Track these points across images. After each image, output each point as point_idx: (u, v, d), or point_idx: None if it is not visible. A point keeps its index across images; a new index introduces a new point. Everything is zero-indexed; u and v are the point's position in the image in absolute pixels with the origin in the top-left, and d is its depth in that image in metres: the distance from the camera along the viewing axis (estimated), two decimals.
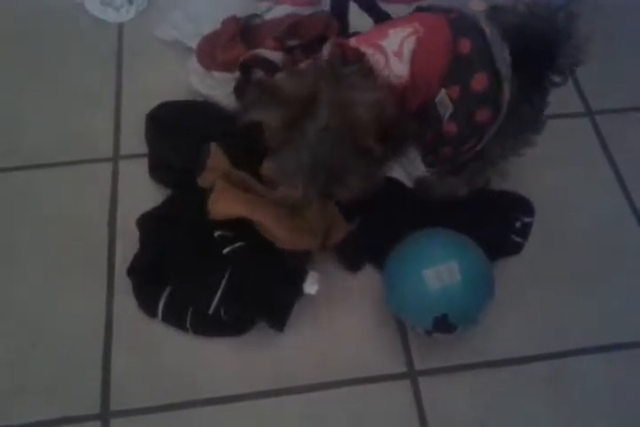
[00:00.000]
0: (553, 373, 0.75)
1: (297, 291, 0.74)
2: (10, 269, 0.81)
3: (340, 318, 0.77)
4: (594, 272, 0.82)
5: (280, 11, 1.04)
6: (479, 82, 0.68)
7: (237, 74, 0.92)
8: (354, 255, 0.80)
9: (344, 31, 1.02)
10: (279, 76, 0.63)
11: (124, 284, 0.78)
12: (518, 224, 0.82)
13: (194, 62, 0.98)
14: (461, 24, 0.69)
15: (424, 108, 0.70)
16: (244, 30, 0.98)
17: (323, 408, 0.71)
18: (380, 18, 1.05)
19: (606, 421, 0.72)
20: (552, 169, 0.90)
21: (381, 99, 0.61)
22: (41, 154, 0.91)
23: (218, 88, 0.95)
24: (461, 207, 0.81)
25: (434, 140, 0.72)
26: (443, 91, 0.68)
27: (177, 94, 0.94)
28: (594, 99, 0.97)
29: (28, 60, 1.01)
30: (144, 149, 0.90)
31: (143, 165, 0.88)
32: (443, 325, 0.65)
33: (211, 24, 1.02)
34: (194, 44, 1.01)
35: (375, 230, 0.80)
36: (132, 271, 0.78)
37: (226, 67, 0.96)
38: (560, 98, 0.96)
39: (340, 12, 1.05)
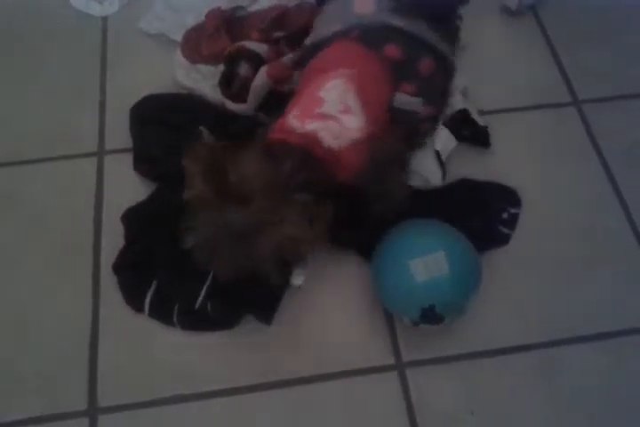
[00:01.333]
0: (541, 362, 0.75)
1: (284, 283, 0.74)
2: None
3: (327, 310, 0.77)
4: (580, 262, 0.82)
5: (265, 2, 1.03)
6: (426, 67, 0.70)
7: (223, 67, 0.91)
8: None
9: None
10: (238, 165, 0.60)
11: (110, 279, 0.78)
12: (505, 215, 0.82)
13: (179, 55, 0.97)
14: (371, 35, 0.69)
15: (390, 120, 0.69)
16: (228, 22, 0.97)
17: (310, 402, 0.71)
18: None
19: (595, 409, 0.72)
20: (538, 159, 0.90)
21: (303, 238, 0.60)
22: (24, 150, 0.90)
23: (203, 81, 0.94)
24: (448, 198, 0.81)
25: (412, 129, 0.73)
26: (397, 94, 0.68)
27: (162, 88, 0.93)
28: (581, 88, 0.97)
29: (10, 55, 1.00)
30: (129, 143, 0.89)
31: (128, 159, 0.87)
32: (430, 315, 0.65)
33: (195, 16, 1.01)
34: (178, 37, 1.00)
35: (361, 222, 0.79)
36: (117, 267, 0.77)
37: (211, 59, 0.96)
38: (546, 87, 0.97)
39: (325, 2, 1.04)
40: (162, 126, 0.87)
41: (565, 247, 0.83)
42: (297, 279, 0.74)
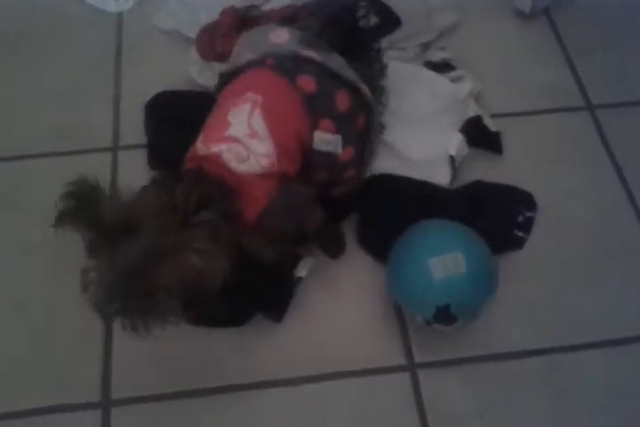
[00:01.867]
0: (552, 367, 0.74)
1: (291, 278, 0.74)
2: (9, 256, 0.81)
3: (339, 309, 0.77)
4: (593, 267, 0.82)
5: (278, 2, 1.03)
6: (342, 101, 0.68)
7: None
8: (332, 242, 0.79)
9: None
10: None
11: None
12: (520, 218, 0.81)
13: (193, 53, 0.98)
14: (285, 65, 0.67)
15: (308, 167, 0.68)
16: (242, 21, 0.98)
17: (320, 401, 0.71)
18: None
19: (604, 415, 0.72)
20: (551, 162, 0.90)
21: (209, 270, 0.53)
22: (38, 143, 0.90)
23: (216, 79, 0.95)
24: (463, 199, 0.81)
25: (335, 176, 0.72)
26: (316, 133, 0.67)
27: (176, 84, 0.94)
28: (594, 93, 0.97)
29: (24, 51, 1.00)
30: (144, 139, 0.89)
31: (143, 155, 0.88)
32: (444, 315, 0.65)
33: (208, 14, 1.02)
34: (192, 34, 1.00)
35: (375, 223, 0.80)
36: None
37: (224, 58, 0.96)
38: (559, 91, 0.98)
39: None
40: (175, 123, 0.87)
41: (578, 252, 0.83)
42: (301, 271, 0.74)
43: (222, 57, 0.97)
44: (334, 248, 0.79)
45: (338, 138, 0.68)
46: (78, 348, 0.74)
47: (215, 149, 0.61)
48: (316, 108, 0.67)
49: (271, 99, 0.65)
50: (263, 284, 0.72)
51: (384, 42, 0.96)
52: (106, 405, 0.71)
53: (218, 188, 0.58)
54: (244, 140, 0.62)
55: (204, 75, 0.96)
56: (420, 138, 0.85)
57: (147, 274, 0.51)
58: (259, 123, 0.63)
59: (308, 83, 0.67)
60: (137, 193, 0.57)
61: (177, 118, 0.87)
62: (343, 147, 0.69)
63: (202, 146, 0.63)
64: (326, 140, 0.68)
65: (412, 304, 0.70)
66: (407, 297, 0.70)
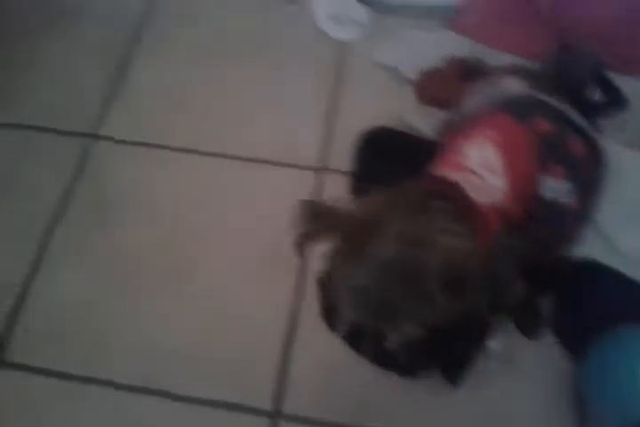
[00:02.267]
0: None
1: (480, 347, 0.73)
2: (198, 254, 0.86)
3: (516, 390, 0.74)
4: None
5: (504, 59, 1.04)
6: (576, 148, 0.68)
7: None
8: (529, 321, 0.77)
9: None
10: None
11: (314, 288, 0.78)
12: None
13: (410, 94, 1.01)
14: (519, 107, 0.69)
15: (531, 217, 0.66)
16: (466, 72, 1.00)
17: None
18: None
19: None
20: None
21: (464, 248, 0.52)
22: (260, 150, 0.97)
23: (430, 123, 0.97)
24: None
25: (556, 228, 0.70)
26: (545, 179, 0.66)
27: (388, 122, 0.95)
28: None
29: (252, 62, 1.08)
30: (348, 166, 0.92)
31: (344, 182, 0.91)
32: None
33: (431, 58, 1.05)
34: (411, 75, 1.04)
35: (576, 312, 0.77)
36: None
37: (442, 104, 0.98)
38: None
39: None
40: (387, 160, 0.89)
41: None
42: (495, 344, 0.73)
43: (440, 103, 0.99)
44: (531, 327, 0.77)
45: (568, 186, 0.68)
46: (258, 353, 0.77)
47: (452, 175, 0.63)
48: (549, 153, 0.68)
49: (507, 138, 0.67)
50: (452, 342, 0.72)
51: (612, 122, 0.95)
52: (275, 416, 0.72)
53: (457, 207, 0.58)
54: (482, 172, 0.63)
55: (417, 117, 0.98)
56: (635, 232, 0.81)
57: (408, 269, 0.50)
58: (495, 158, 0.65)
59: (543, 125, 0.69)
60: (365, 198, 0.59)
61: (389, 156, 0.90)
62: (570, 197, 0.68)
63: (440, 172, 0.65)
64: (555, 187, 0.68)
65: (609, 410, 0.66)
66: (605, 401, 0.66)
